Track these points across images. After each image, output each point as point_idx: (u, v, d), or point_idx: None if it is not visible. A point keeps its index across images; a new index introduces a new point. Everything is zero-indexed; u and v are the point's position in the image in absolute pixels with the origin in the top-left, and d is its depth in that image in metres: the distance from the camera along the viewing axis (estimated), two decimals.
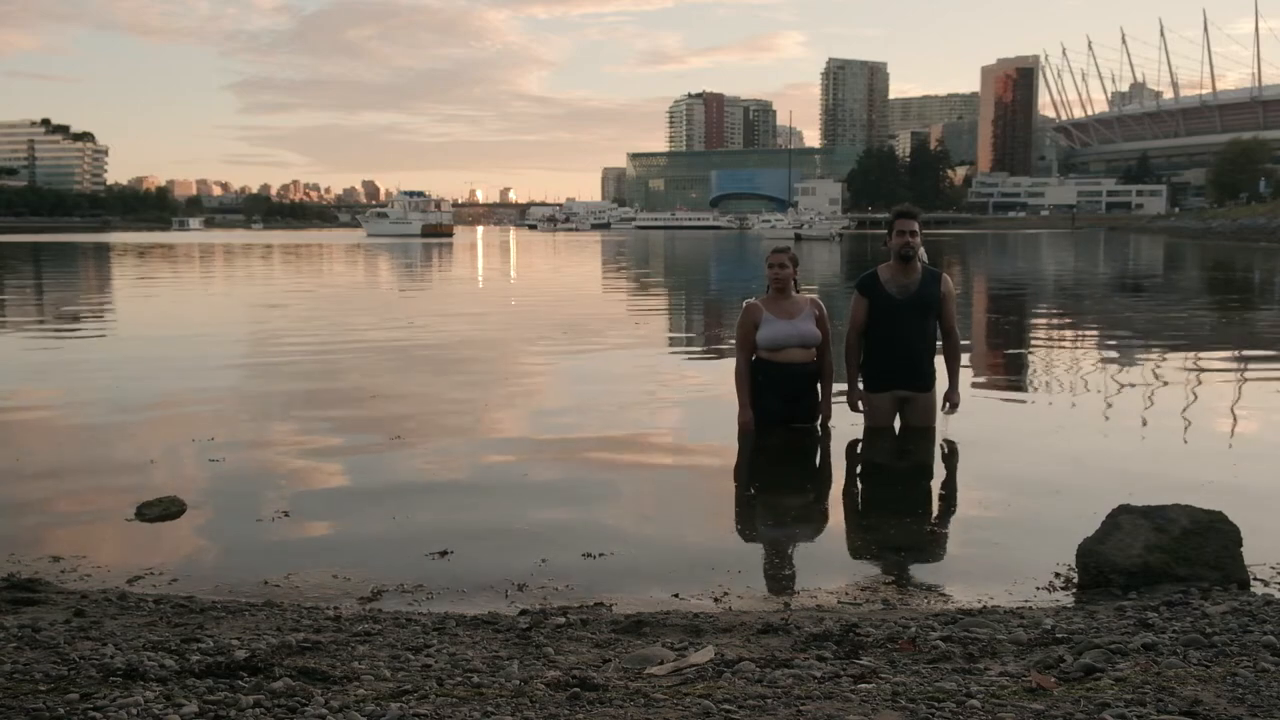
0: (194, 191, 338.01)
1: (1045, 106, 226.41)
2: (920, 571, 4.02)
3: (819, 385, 6.37)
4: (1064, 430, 6.87)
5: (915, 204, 6.91)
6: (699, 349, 12.20)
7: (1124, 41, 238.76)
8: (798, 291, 6.44)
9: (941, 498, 5.26)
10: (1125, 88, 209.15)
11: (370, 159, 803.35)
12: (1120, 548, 3.65)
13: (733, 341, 6.71)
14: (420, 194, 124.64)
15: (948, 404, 6.31)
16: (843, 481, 5.52)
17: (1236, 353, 11.30)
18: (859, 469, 5.80)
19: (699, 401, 8.01)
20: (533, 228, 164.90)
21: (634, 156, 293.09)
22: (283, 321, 15.31)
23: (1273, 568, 3.86)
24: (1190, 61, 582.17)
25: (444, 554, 4.17)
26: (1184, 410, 7.65)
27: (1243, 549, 3.65)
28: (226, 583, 3.86)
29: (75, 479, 5.50)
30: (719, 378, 8.32)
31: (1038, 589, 3.75)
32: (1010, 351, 12.02)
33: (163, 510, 4.72)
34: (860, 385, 6.33)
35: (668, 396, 8.26)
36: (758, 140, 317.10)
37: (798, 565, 4.17)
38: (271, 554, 4.21)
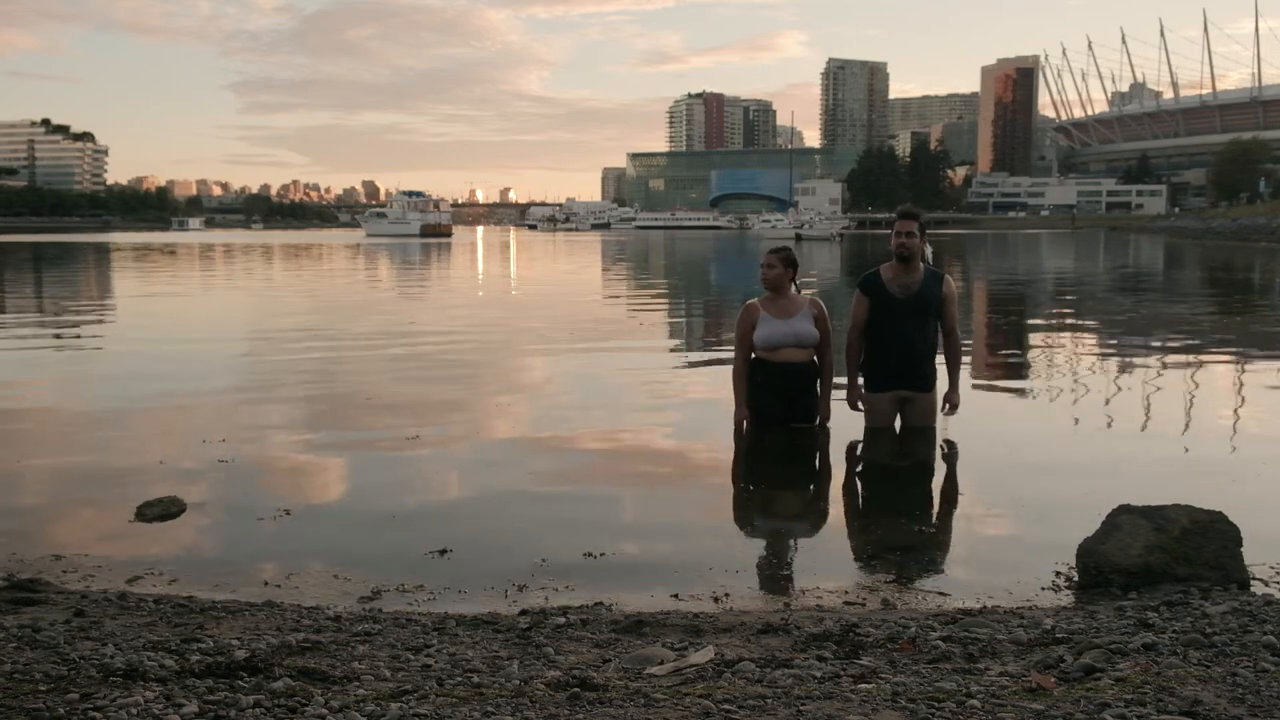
0: (194, 191, 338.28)
1: (1045, 106, 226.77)
2: (920, 571, 4.01)
3: (818, 385, 6.37)
4: (1064, 430, 6.87)
5: (915, 204, 6.90)
6: (699, 350, 12.20)
7: (1124, 41, 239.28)
8: (797, 292, 6.45)
9: (941, 498, 5.25)
10: (1125, 88, 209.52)
11: (370, 159, 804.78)
12: (1120, 548, 3.65)
13: (732, 342, 6.71)
14: (419, 194, 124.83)
15: (948, 405, 6.31)
16: (843, 481, 5.52)
17: (1237, 352, 11.29)
18: (859, 469, 5.80)
19: (699, 402, 8.01)
20: (533, 228, 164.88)
21: (634, 156, 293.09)
22: (287, 323, 15.29)
23: (1273, 568, 3.86)
24: (1190, 61, 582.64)
25: (444, 554, 4.17)
26: (1184, 410, 7.65)
27: (1243, 549, 3.65)
28: (226, 583, 3.86)
29: (81, 480, 5.49)
30: (719, 379, 8.32)
31: (1038, 589, 3.75)
32: (1010, 351, 12.02)
33: (163, 510, 4.72)
34: (860, 385, 6.33)
35: (668, 396, 8.26)
36: (758, 140, 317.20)
37: (798, 565, 4.17)
38: (271, 554, 4.21)
